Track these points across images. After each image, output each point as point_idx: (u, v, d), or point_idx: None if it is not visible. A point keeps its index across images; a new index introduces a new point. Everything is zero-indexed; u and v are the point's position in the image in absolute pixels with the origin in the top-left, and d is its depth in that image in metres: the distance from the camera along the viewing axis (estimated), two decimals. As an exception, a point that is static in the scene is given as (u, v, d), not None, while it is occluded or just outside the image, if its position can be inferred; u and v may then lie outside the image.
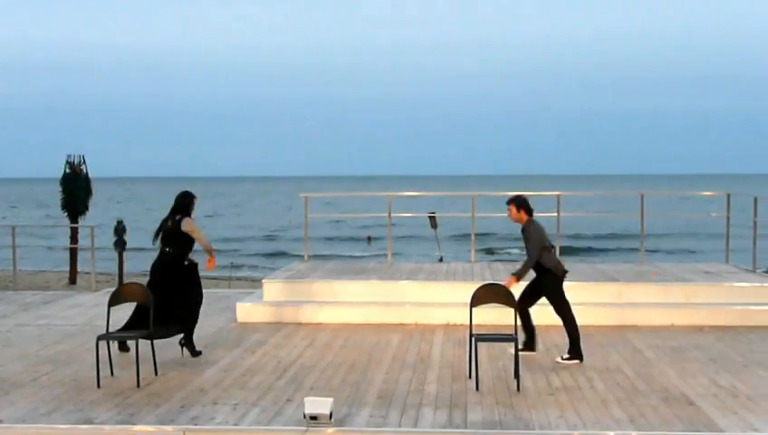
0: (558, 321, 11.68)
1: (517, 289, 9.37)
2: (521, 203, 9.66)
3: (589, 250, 44.80)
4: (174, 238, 9.75)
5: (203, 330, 11.52)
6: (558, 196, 15.62)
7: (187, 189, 10.14)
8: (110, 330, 9.02)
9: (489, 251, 42.00)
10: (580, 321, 11.66)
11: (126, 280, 22.75)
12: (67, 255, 26.19)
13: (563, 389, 8.37)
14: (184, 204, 9.85)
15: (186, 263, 9.83)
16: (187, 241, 9.77)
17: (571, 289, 12.36)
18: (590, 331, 11.27)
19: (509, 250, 43.09)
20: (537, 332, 9.98)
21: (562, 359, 9.61)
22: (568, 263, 15.49)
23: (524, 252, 9.74)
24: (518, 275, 9.53)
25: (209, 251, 9.97)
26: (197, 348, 10.02)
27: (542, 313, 11.77)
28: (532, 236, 9.54)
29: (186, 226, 9.71)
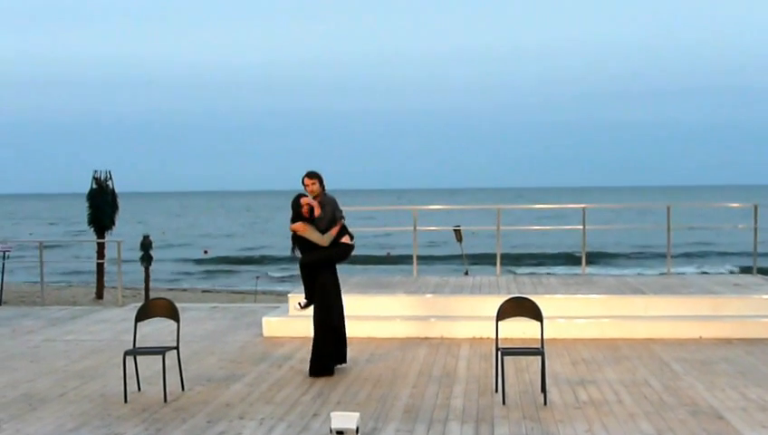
0: (584, 334, 11.66)
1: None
2: (322, 179, 9.82)
3: (615, 263, 44.58)
4: (295, 242, 9.76)
5: (229, 345, 11.57)
6: (583, 208, 15.57)
7: (298, 193, 9.82)
8: (137, 345, 9.07)
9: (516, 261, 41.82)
10: (607, 334, 11.65)
11: (152, 295, 22.92)
12: (94, 269, 26.43)
13: (590, 402, 8.31)
14: (293, 209, 9.74)
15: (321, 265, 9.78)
16: (306, 242, 9.68)
17: (597, 302, 12.36)
18: (617, 344, 11.21)
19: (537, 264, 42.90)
20: None
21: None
22: (595, 276, 15.41)
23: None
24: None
25: (320, 239, 9.59)
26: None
27: (568, 326, 11.75)
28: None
29: (296, 229, 9.70)
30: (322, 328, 9.74)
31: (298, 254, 9.80)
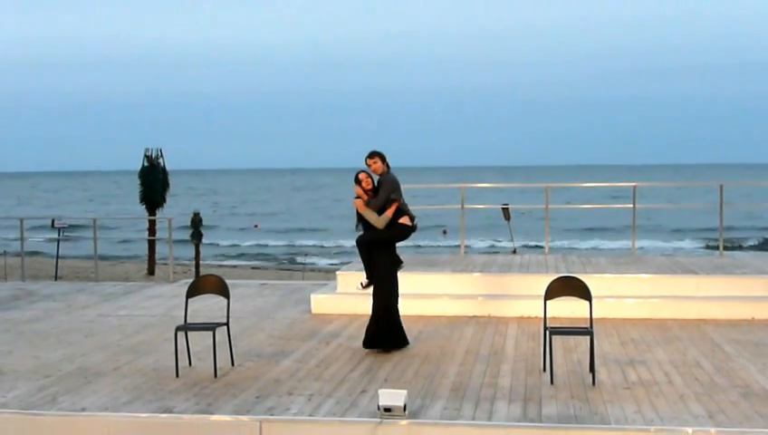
0: (634, 314, 11.56)
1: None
2: (384, 157, 9.81)
3: (664, 241, 44.08)
4: (359, 218, 9.82)
5: (278, 322, 11.68)
6: (634, 187, 15.40)
7: (360, 169, 9.85)
8: (188, 321, 9.19)
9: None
10: (657, 314, 11.53)
11: (202, 271, 23.20)
12: (145, 246, 26.86)
13: (640, 383, 8.25)
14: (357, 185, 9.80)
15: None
16: (366, 221, 9.72)
17: (648, 281, 12.23)
18: (668, 324, 11.10)
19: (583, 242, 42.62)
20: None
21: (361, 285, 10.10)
22: (645, 255, 15.21)
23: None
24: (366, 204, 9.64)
25: (376, 220, 9.61)
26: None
27: (617, 306, 11.65)
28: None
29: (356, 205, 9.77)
30: (376, 304, 9.79)
31: (362, 229, 9.83)
